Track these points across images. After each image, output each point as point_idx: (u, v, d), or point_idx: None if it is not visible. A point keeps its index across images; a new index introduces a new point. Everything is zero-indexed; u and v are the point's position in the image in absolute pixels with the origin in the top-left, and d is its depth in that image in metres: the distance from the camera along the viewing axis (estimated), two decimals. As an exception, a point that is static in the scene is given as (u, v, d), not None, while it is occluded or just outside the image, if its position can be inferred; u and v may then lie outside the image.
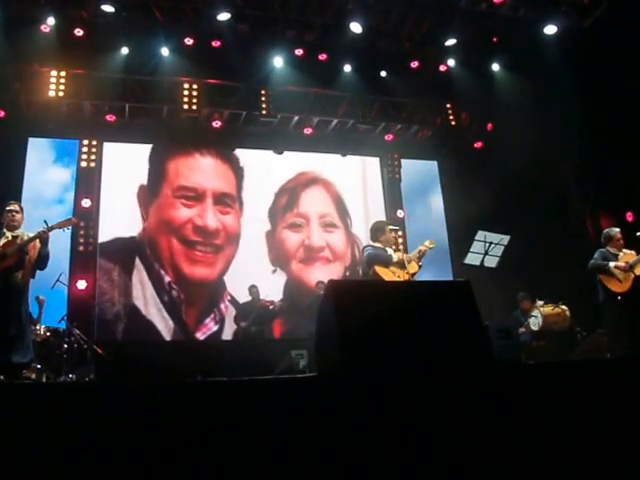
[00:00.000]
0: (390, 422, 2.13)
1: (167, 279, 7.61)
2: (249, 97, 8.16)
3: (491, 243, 5.69)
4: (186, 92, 7.80)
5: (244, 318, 7.14)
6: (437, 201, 9.30)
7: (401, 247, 7.85)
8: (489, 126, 8.96)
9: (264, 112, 8.14)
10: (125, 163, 8.06)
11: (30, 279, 4.23)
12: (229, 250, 7.97)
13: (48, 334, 5.57)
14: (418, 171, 9.41)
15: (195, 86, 7.85)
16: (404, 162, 9.25)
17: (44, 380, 5.00)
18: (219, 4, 7.15)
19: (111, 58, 7.46)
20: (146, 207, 7.87)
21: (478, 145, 9.07)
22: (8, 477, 1.84)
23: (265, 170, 8.46)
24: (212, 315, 7.68)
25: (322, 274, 7.89)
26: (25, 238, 4.15)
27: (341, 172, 8.94)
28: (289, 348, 6.29)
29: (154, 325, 7.38)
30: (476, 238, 5.75)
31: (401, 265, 4.47)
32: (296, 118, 8.48)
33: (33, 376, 4.78)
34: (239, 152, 8.50)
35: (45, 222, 4.18)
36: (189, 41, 7.64)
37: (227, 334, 7.62)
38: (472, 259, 5.78)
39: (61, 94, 7.34)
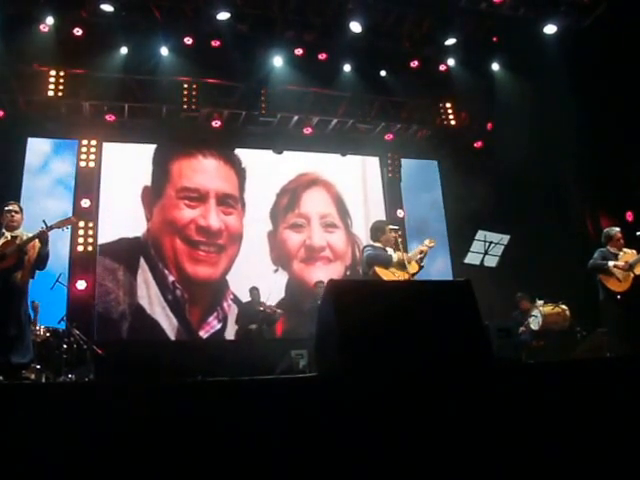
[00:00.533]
0: (390, 422, 2.12)
1: (171, 278, 7.69)
2: (249, 97, 8.16)
3: (491, 243, 5.69)
4: (185, 92, 7.79)
5: (251, 320, 7.14)
6: (437, 201, 9.30)
7: (401, 247, 7.86)
8: (489, 126, 8.96)
9: (264, 112, 8.13)
10: (125, 163, 8.07)
11: (29, 279, 4.22)
12: (232, 250, 8.05)
13: (48, 334, 5.57)
14: (418, 171, 9.42)
15: (194, 86, 7.84)
16: (404, 162, 9.26)
17: (43, 380, 5.00)
18: (218, 4, 7.14)
19: (110, 58, 7.45)
20: (150, 208, 7.94)
21: (478, 145, 9.07)
22: (8, 477, 1.84)
23: (266, 171, 8.51)
24: (215, 314, 7.77)
25: (323, 273, 7.96)
26: (24, 238, 4.14)
27: (341, 172, 8.97)
28: (289, 348, 6.29)
29: (158, 323, 7.46)
30: (476, 238, 5.76)
31: (401, 265, 4.47)
32: (296, 118, 8.48)
33: (33, 376, 4.78)
34: (241, 153, 8.55)
35: (44, 222, 4.17)
36: (188, 41, 7.63)
37: (230, 332, 7.70)
38: (472, 259, 5.79)
39: (60, 94, 7.32)
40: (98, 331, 7.18)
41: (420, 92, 8.64)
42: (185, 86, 7.80)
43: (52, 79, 7.30)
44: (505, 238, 5.77)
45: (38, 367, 5.02)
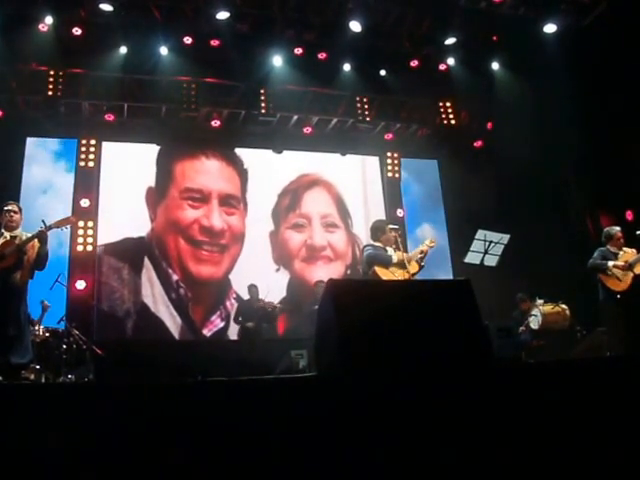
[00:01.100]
0: (390, 422, 2.12)
1: (175, 277, 7.77)
2: (248, 96, 8.15)
3: (491, 242, 5.69)
4: (185, 91, 7.78)
5: (249, 318, 7.15)
6: (437, 200, 9.31)
7: (401, 246, 7.86)
8: (489, 125, 8.95)
9: (263, 111, 8.13)
10: (124, 162, 8.09)
11: (29, 279, 4.21)
12: (234, 249, 8.13)
13: (47, 335, 5.56)
14: (418, 170, 9.42)
15: (194, 85, 7.83)
16: (404, 161, 9.25)
17: (43, 381, 4.99)
18: (218, 3, 7.14)
19: (110, 57, 7.44)
20: (154, 208, 8.00)
21: (478, 144, 9.06)
22: (8, 477, 1.84)
23: (268, 171, 8.57)
24: (218, 312, 7.84)
25: (324, 273, 8.01)
26: (23, 238, 4.13)
27: (341, 172, 8.99)
28: (289, 348, 6.28)
29: (163, 322, 7.54)
30: (476, 237, 5.76)
31: (401, 265, 4.46)
32: (295, 117, 8.47)
33: (32, 377, 4.77)
34: (242, 154, 8.59)
35: (43, 222, 4.16)
36: (188, 40, 7.62)
37: (233, 331, 7.75)
38: (472, 258, 5.78)
39: (59, 94, 7.32)
40: (103, 329, 7.26)
41: (420, 91, 8.63)
42: (184, 86, 7.79)
43: (51, 79, 7.29)
44: (505, 237, 5.77)
45: (38, 367, 5.01)
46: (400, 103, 8.85)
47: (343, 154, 9.02)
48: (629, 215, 7.07)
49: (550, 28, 7.69)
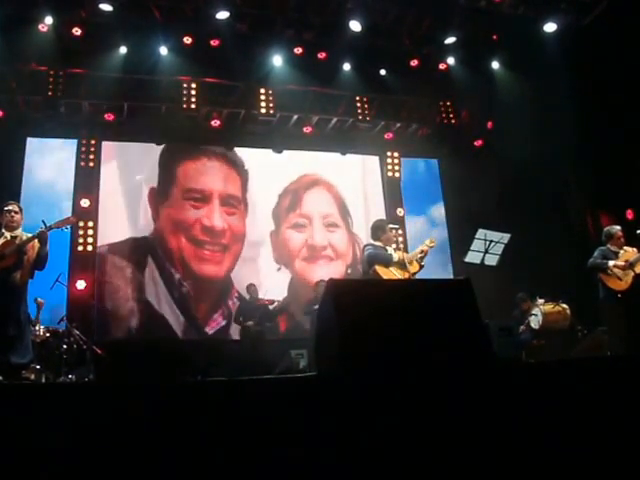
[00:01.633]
0: (390, 422, 2.12)
1: (177, 276, 7.86)
2: (248, 96, 8.16)
3: (491, 241, 5.69)
4: (185, 91, 7.79)
5: (249, 317, 7.16)
6: (437, 199, 9.31)
7: (401, 246, 7.88)
8: (489, 124, 8.95)
9: (263, 111, 8.14)
10: (124, 162, 8.11)
11: (29, 279, 4.21)
12: (235, 249, 8.19)
13: (47, 335, 5.56)
14: (418, 169, 9.41)
15: (194, 85, 7.84)
16: (404, 160, 9.25)
17: (43, 381, 4.99)
18: (218, 3, 7.14)
19: (109, 57, 7.45)
20: (157, 208, 8.06)
21: (478, 143, 9.06)
22: (8, 477, 1.84)
23: (268, 171, 8.62)
24: (220, 311, 7.93)
25: (325, 272, 8.05)
26: (24, 238, 4.13)
27: (341, 171, 9.01)
28: (289, 348, 6.29)
29: (166, 319, 7.62)
30: (476, 236, 5.75)
31: (402, 265, 4.46)
32: (295, 117, 8.48)
33: (32, 377, 4.77)
34: (243, 155, 8.63)
35: (43, 222, 4.16)
36: (188, 40, 7.63)
37: (235, 329, 7.80)
38: (472, 257, 5.78)
39: (59, 94, 7.33)
40: (106, 327, 7.35)
41: (420, 91, 8.63)
42: (184, 85, 7.81)
43: (51, 79, 7.31)
44: (505, 237, 5.76)
45: (38, 367, 5.01)
46: (400, 102, 8.85)
47: (343, 154, 9.02)
48: (629, 214, 7.06)
49: (550, 27, 7.68)
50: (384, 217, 8.05)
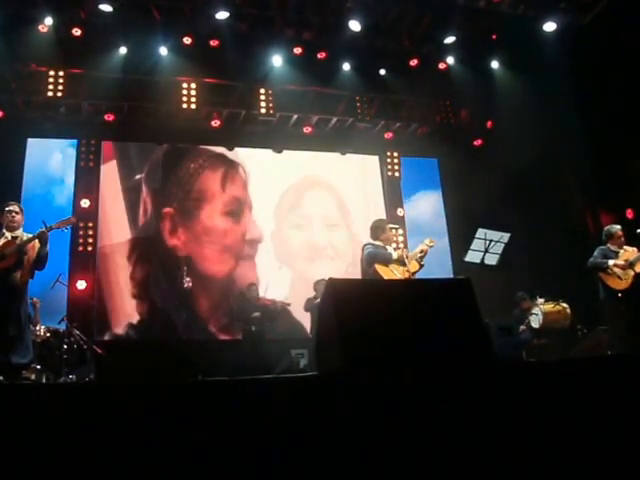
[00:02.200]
0: (391, 421, 2.12)
1: (178, 276, 7.89)
2: (248, 96, 8.16)
3: (491, 241, 5.69)
4: (185, 91, 7.79)
5: (250, 317, 7.16)
6: (437, 199, 9.31)
7: (401, 245, 7.88)
8: (489, 123, 8.95)
9: (263, 111, 8.13)
10: (124, 162, 8.11)
11: (29, 279, 4.21)
12: (236, 248, 8.24)
13: (48, 335, 5.57)
14: (418, 169, 9.41)
15: (193, 85, 7.83)
16: (404, 160, 9.26)
17: (44, 381, 4.99)
18: (217, 3, 7.13)
19: (109, 58, 7.43)
20: (157, 208, 8.08)
21: (478, 143, 9.06)
22: (8, 477, 1.84)
23: (269, 171, 8.65)
24: (222, 310, 7.98)
25: (325, 271, 8.04)
26: (24, 239, 4.14)
27: (341, 171, 9.02)
28: (289, 348, 6.29)
29: (167, 319, 7.67)
30: (476, 236, 5.75)
31: (401, 263, 4.47)
32: (295, 117, 8.48)
33: (33, 377, 4.78)
34: (244, 155, 8.65)
35: (43, 222, 4.16)
36: (187, 40, 7.61)
37: (236, 328, 7.82)
38: (472, 257, 5.78)
39: (59, 94, 7.32)
40: (108, 326, 7.39)
41: (420, 90, 8.62)
42: (184, 85, 7.80)
43: (51, 79, 7.30)
44: (505, 236, 5.76)
45: (38, 367, 5.02)
46: (400, 102, 8.85)
47: (343, 153, 9.03)
48: (629, 213, 7.06)
49: (550, 27, 7.67)
50: (384, 217, 8.05)
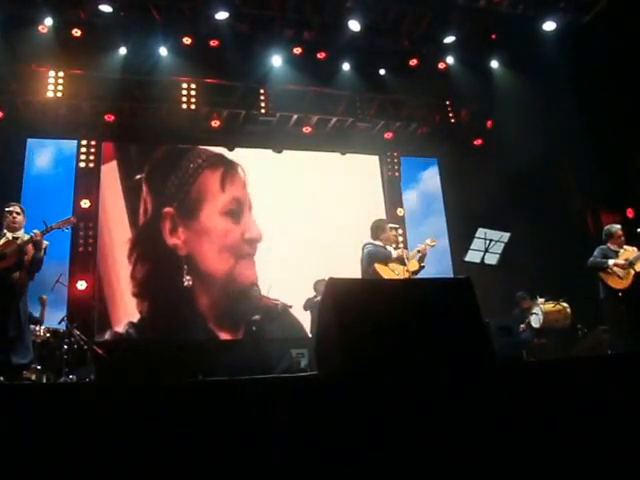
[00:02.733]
0: (391, 421, 2.12)
1: (179, 276, 7.93)
2: (248, 96, 8.16)
3: (491, 240, 5.68)
4: (184, 92, 7.80)
5: (251, 317, 7.19)
6: (437, 198, 9.31)
7: (401, 245, 7.88)
8: (489, 123, 8.95)
9: (263, 111, 8.14)
10: (124, 162, 8.13)
11: (29, 280, 4.22)
12: (237, 248, 8.25)
13: (48, 335, 5.57)
14: (418, 169, 9.42)
15: (193, 85, 7.84)
16: (404, 160, 9.26)
17: (44, 381, 5.00)
18: (217, 3, 7.13)
19: (109, 58, 7.44)
20: (157, 208, 8.10)
21: (478, 142, 9.06)
22: (8, 477, 1.84)
23: (269, 172, 8.66)
24: (223, 310, 7.99)
25: (326, 271, 8.07)
26: (25, 239, 4.15)
27: (341, 171, 9.01)
28: (290, 347, 6.28)
29: (170, 315, 7.70)
30: (476, 235, 5.75)
31: (401, 261, 4.47)
32: (295, 117, 8.48)
33: (33, 377, 4.78)
34: (244, 156, 8.66)
35: (44, 222, 4.17)
36: (187, 41, 7.62)
37: (237, 328, 7.89)
38: (472, 256, 5.77)
39: (59, 94, 7.33)
40: (108, 325, 7.41)
41: (419, 90, 8.62)
42: (184, 86, 7.81)
43: (51, 80, 7.31)
44: (505, 236, 5.76)
45: (39, 368, 5.02)
46: (400, 102, 8.85)
47: (343, 153, 9.04)
48: (630, 213, 7.06)
49: (549, 26, 7.67)
50: (384, 217, 8.05)
